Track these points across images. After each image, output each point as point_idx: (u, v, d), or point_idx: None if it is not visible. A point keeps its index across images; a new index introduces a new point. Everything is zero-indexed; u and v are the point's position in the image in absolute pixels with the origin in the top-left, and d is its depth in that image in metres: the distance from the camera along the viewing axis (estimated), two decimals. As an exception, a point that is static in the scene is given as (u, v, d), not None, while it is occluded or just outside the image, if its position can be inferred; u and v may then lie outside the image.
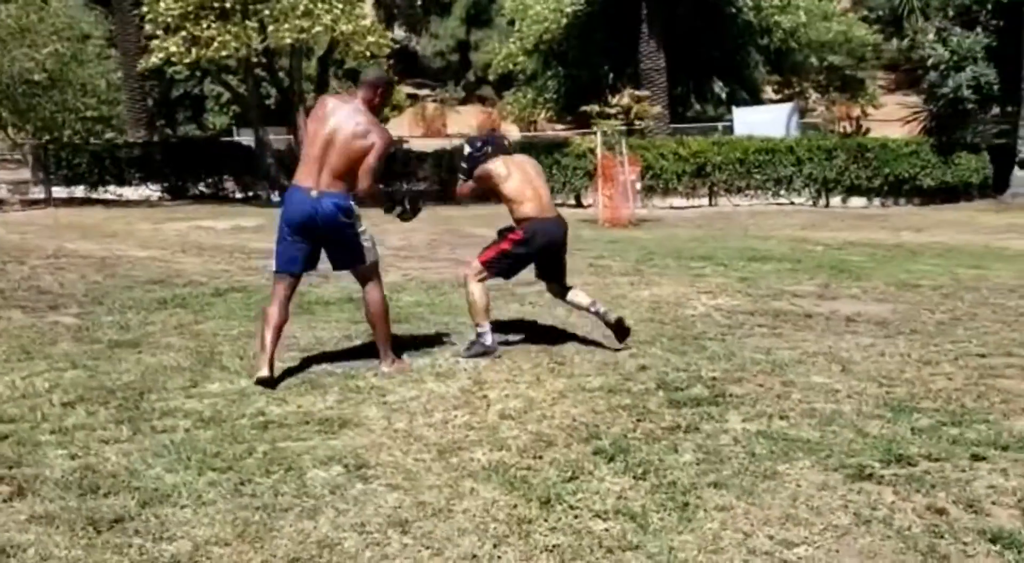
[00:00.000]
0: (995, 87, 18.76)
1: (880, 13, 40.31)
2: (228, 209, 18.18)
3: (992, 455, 3.49)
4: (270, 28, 16.34)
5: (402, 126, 35.96)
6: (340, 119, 4.78)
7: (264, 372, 4.64)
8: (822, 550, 2.76)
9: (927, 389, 4.51)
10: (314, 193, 4.74)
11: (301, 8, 15.73)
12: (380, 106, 5.01)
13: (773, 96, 36.40)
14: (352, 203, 4.83)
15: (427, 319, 6.53)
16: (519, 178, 5.48)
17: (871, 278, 8.57)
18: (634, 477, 3.34)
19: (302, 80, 19.81)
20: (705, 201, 20.78)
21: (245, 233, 13.08)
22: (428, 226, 14.20)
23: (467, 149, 5.73)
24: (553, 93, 31.38)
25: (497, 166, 5.49)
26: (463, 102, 46.48)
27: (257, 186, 21.27)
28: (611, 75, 27.50)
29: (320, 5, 15.84)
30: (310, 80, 22.04)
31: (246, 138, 24.60)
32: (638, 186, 18.04)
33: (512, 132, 35.52)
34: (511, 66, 33.45)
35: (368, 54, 19.73)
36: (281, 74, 20.15)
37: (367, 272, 5.05)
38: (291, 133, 20.41)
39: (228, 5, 15.98)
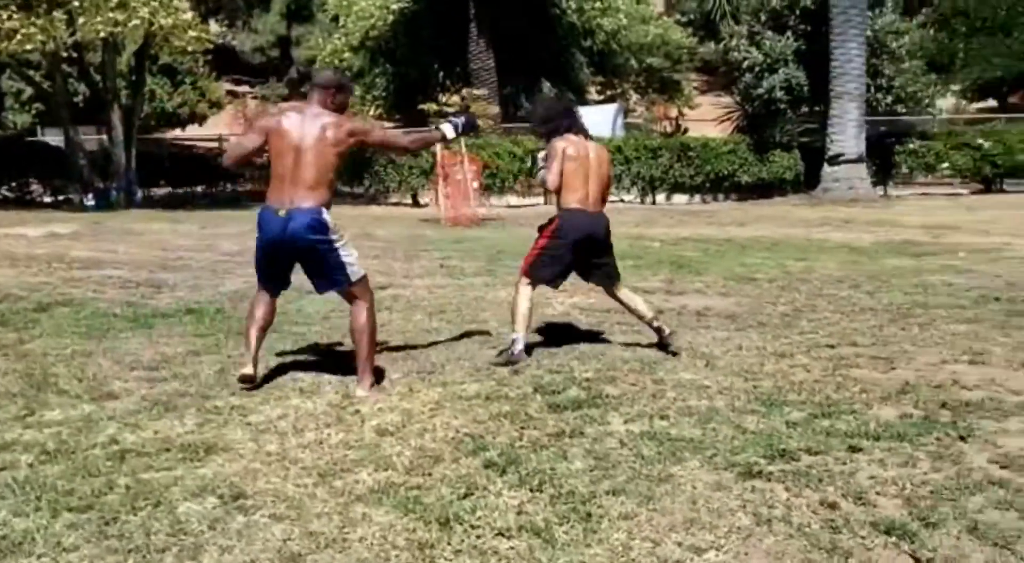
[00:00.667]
0: (805, 88, 19.99)
1: (692, 17, 42.23)
2: (38, 214, 16.80)
3: (867, 446, 3.62)
4: (80, 20, 15.20)
5: (222, 125, 34.47)
6: (304, 126, 4.38)
7: (248, 369, 4.54)
8: (731, 554, 2.75)
9: (790, 382, 4.66)
10: (282, 212, 4.37)
11: (114, 0, 14.71)
12: (337, 111, 4.56)
13: (597, 97, 37.41)
14: (326, 217, 4.41)
15: (279, 329, 6.17)
16: (576, 165, 5.21)
17: (710, 272, 8.88)
18: (530, 489, 3.24)
19: (116, 76, 18.56)
20: (541, 199, 21.06)
21: (62, 240, 12.12)
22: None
23: (542, 113, 5.52)
24: (382, 91, 30.98)
25: (567, 146, 5.22)
26: (286, 99, 45.05)
27: (68, 189, 19.83)
28: (441, 74, 27.46)
29: (135, -3, 14.89)
30: (123, 76, 20.69)
31: (53, 138, 22.91)
32: (475, 184, 18.06)
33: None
34: (337, 62, 32.76)
35: (188, 50, 18.76)
36: (92, 70, 18.79)
37: (354, 291, 4.63)
38: (106, 133, 19.12)
39: (32, -3, 14.79)
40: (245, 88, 46.67)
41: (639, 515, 3.02)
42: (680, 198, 21.51)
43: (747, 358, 5.21)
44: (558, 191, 5.29)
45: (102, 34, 14.97)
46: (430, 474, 3.42)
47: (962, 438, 3.72)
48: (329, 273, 4.53)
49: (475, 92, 17.19)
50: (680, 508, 3.07)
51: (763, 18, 20.89)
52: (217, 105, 32.94)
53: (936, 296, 7.40)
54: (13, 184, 19.94)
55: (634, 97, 38.95)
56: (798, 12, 20.07)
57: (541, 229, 5.43)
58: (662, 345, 5.35)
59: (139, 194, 18.54)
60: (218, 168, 21.20)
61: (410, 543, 2.85)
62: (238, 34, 48.08)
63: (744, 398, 4.35)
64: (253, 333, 4.64)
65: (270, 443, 3.81)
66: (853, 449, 3.59)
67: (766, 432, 3.82)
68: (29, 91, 25.24)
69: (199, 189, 21.29)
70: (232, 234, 12.67)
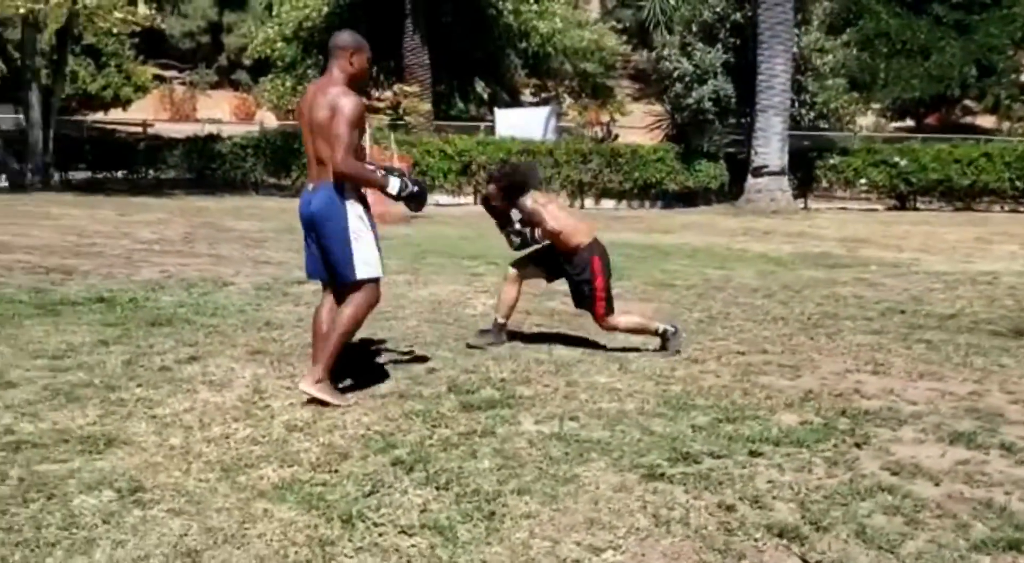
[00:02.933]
0: (732, 100, 20.40)
1: (627, 24, 42.74)
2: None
3: (767, 451, 3.73)
4: (-5, -5, 14.68)
5: (147, 109, 33.65)
6: (313, 100, 4.21)
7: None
8: (628, 554, 2.80)
9: (699, 387, 4.76)
10: (310, 187, 4.30)
11: (37, -24, 14.23)
12: (359, 75, 4.32)
13: (531, 98, 37.62)
14: (341, 194, 4.18)
15: (192, 321, 6.08)
16: (557, 208, 5.70)
17: (631, 277, 8.99)
18: (436, 487, 3.25)
19: (35, 55, 17.94)
20: (471, 199, 21.08)
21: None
22: (183, 218, 13.39)
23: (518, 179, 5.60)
24: (312, 81, 30.56)
25: (543, 201, 5.65)
26: (215, 86, 44.28)
27: (-18, 169, 19.12)
28: (375, 69, 27.24)
29: (59, -26, 14.40)
30: (44, 56, 20.02)
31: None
32: (403, 181, 17.97)
33: (270, 120, 34.32)
34: (269, 51, 32.23)
35: (113, 31, 18.21)
36: (11, 47, 18.13)
37: (351, 291, 4.28)
38: (23, 113, 18.48)
39: (-55, -33, 14.20)
40: (173, 73, 45.59)
41: (541, 514, 3.05)
42: (608, 203, 21.75)
43: (660, 362, 5.30)
44: (559, 235, 5.48)
45: (21, 10, 14.46)
46: (336, 471, 3.40)
47: (858, 445, 3.84)
48: (333, 257, 4.25)
49: (407, 88, 17.13)
50: (582, 508, 3.11)
51: (694, 29, 21.25)
52: (142, 89, 32.14)
53: (846, 307, 7.63)
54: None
55: (568, 101, 39.26)
56: (728, 25, 20.46)
57: (581, 277, 5.53)
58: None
59: (56, 177, 17.93)
60: (139, 153, 20.71)
61: (310, 540, 2.83)
62: (168, 18, 47.03)
63: (653, 402, 4.43)
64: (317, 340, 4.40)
65: (174, 437, 3.75)
66: (754, 454, 3.68)
67: (671, 435, 3.89)
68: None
69: (119, 174, 20.69)
70: (150, 221, 12.41)
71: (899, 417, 4.31)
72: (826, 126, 23.17)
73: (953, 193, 21.91)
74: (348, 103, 4.13)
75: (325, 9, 29.25)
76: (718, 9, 20.67)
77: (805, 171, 21.37)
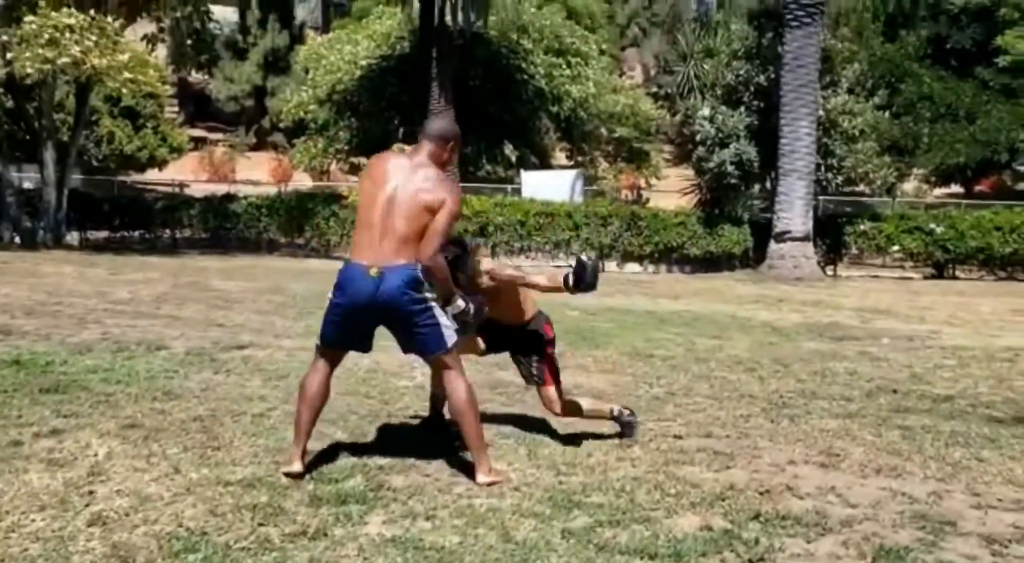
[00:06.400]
0: (755, 164, 19.82)
1: (668, 90, 42.60)
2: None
3: (632, 567, 3.10)
4: (8, 55, 14.82)
5: (186, 171, 34.10)
6: (402, 175, 3.93)
7: (296, 466, 3.94)
8: None
9: (604, 477, 4.14)
10: (374, 271, 3.85)
11: (46, 36, 14.33)
12: (448, 163, 4.17)
13: (565, 161, 37.40)
14: (422, 275, 3.92)
15: (90, 388, 5.62)
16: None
17: (608, 346, 8.40)
18: (203, 608, 2.69)
19: (52, 114, 18.12)
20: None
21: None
22: (171, 278, 13.13)
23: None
24: (344, 144, 30.74)
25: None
26: (255, 148, 44.97)
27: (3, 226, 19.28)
28: (401, 130, 27.29)
29: (68, 35, 14.48)
30: (69, 113, 20.26)
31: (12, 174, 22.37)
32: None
33: (305, 181, 34.58)
34: (302, 114, 32.59)
35: (140, 90, 18.35)
36: (28, 107, 18.39)
37: (445, 359, 4.06)
38: (39, 171, 18.63)
39: (-39, 27, 14.43)
40: (218, 135, 46.49)
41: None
42: (633, 267, 21.18)
43: (578, 447, 4.69)
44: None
45: (29, 70, 14.58)
46: (100, 581, 2.86)
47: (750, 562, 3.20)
48: (424, 338, 3.99)
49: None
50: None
51: (718, 93, 20.81)
52: (178, 150, 32.54)
53: (830, 385, 6.94)
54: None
55: (603, 164, 38.98)
56: (752, 88, 19.99)
57: (538, 338, 4.85)
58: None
59: (67, 236, 17.95)
60: (156, 212, 20.72)
61: None
62: (214, 82, 48.10)
63: (538, 497, 3.82)
64: (305, 415, 4.05)
65: (-49, 529, 3.25)
66: (615, 571, 3.06)
67: (531, 543, 3.28)
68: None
69: (136, 234, 20.71)
70: (135, 281, 12.14)
71: (824, 524, 3.64)
72: (865, 191, 22.42)
73: (994, 262, 20.89)
74: (456, 197, 3.99)
75: (357, 73, 29.54)
76: (741, 72, 20.23)
77: (834, 237, 20.59)
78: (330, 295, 4.01)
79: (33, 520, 3.37)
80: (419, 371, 6.74)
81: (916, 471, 4.53)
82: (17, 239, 17.89)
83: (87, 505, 3.55)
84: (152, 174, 32.05)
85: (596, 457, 4.50)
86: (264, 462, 4.22)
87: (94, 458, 4.17)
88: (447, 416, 4.71)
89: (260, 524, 3.41)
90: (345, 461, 4.26)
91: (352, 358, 7.16)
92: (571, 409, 4.89)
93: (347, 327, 4.02)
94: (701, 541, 3.36)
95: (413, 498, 3.77)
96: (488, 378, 6.55)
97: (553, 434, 4.95)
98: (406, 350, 4.21)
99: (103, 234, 20.66)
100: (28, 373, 5.98)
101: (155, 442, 4.48)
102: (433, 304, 3.96)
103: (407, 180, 3.92)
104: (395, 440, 4.69)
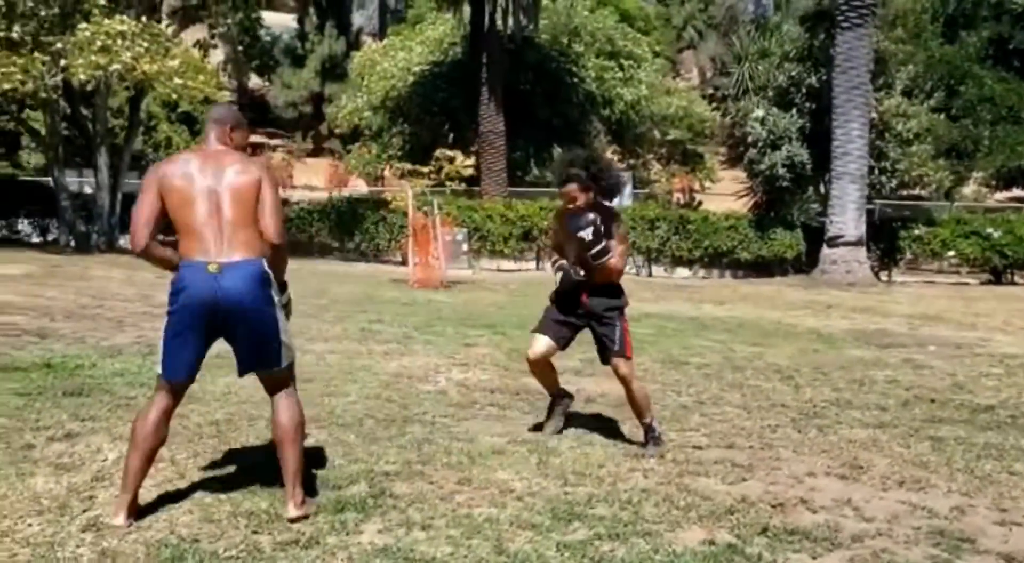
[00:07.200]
0: (807, 166, 19.43)
1: (725, 93, 42.03)
2: (12, 254, 16.59)
3: (623, 583, 3.00)
4: (62, 62, 15.20)
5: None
6: (211, 165, 3.54)
7: (119, 519, 3.41)
8: None
9: (613, 489, 4.04)
10: (212, 267, 3.44)
11: (98, 43, 14.68)
12: (240, 148, 3.74)
13: (619, 165, 37.10)
14: (270, 271, 3.55)
15: (113, 392, 5.67)
16: None
17: (642, 354, 8.23)
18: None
19: (106, 120, 18.53)
20: (533, 265, 20.64)
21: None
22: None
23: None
24: (397, 149, 30.95)
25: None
26: (313, 154, 45.55)
27: (55, 230, 19.80)
28: (451, 135, 27.38)
29: (120, 42, 14.81)
30: (127, 119, 20.70)
31: (70, 178, 22.99)
32: (465, 247, 17.72)
33: (361, 187, 34.88)
34: (356, 120, 32.92)
35: (193, 96, 18.68)
36: (84, 112, 18.84)
37: (280, 376, 3.67)
38: (93, 175, 19.06)
39: (16, 36, 14.76)
40: (277, 141, 47.22)
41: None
42: (683, 271, 20.92)
43: (592, 456, 4.59)
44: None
45: (83, 76, 14.93)
46: (83, 587, 2.85)
47: (747, 579, 3.07)
48: (262, 348, 3.58)
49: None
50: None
51: (770, 94, 20.46)
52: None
53: (866, 394, 6.72)
54: (2, 223, 19.90)
55: (656, 167, 38.59)
56: (804, 90, 19.60)
57: (614, 312, 4.99)
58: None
59: (120, 239, 18.31)
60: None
61: None
62: (272, 88, 48.90)
63: (540, 507, 3.73)
64: (135, 461, 3.50)
65: (-50, 531, 3.28)
66: (604, 587, 2.96)
67: (523, 555, 3.20)
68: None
69: (190, 237, 21.02)
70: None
71: (834, 539, 3.49)
72: (922, 194, 21.85)
73: (1056, 267, 20.20)
74: (266, 170, 3.68)
75: (410, 79, 29.72)
76: (793, 73, 19.86)
77: (888, 242, 20.07)
78: (168, 307, 3.56)
79: (29, 524, 3.39)
80: (443, 376, 6.72)
81: (940, 484, 4.34)
82: (72, 243, 18.31)
83: (85, 510, 3.56)
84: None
85: (608, 468, 4.40)
86: (271, 468, 4.19)
87: (102, 462, 4.19)
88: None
89: (254, 532, 3.38)
90: (352, 467, 4.23)
91: (378, 360, 7.22)
92: (639, 390, 4.84)
93: (191, 340, 3.57)
94: (701, 556, 3.25)
95: (413, 506, 3.71)
96: (515, 383, 6.50)
97: (568, 443, 4.85)
98: (243, 368, 3.69)
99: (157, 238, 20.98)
100: (56, 376, 6.07)
101: (166, 447, 4.47)
102: (279, 312, 3.58)
103: (216, 170, 3.54)
104: (406, 446, 4.64)
